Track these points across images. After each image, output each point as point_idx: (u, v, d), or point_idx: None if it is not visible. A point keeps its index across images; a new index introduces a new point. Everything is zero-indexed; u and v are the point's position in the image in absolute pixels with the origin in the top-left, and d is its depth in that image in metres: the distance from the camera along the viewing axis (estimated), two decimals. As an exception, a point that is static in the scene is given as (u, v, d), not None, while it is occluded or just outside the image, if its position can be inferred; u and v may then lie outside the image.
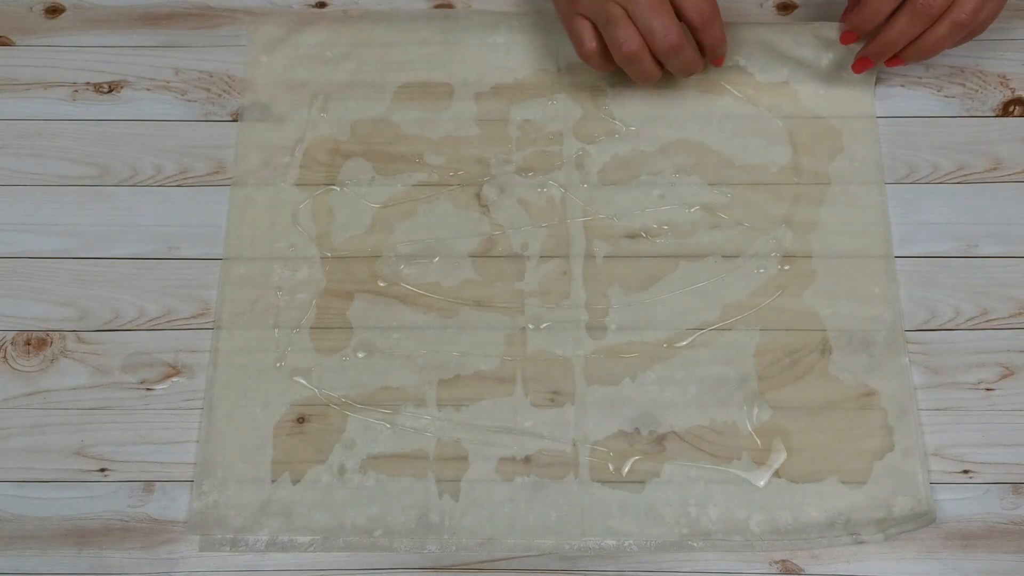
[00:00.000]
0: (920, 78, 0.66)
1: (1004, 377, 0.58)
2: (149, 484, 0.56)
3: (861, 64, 0.63)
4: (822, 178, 0.62)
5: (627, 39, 0.58)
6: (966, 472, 0.56)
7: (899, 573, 0.54)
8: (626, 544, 0.54)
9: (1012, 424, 0.57)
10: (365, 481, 0.56)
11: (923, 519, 0.54)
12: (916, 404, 0.57)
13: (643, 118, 0.64)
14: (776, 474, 0.56)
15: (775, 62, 0.64)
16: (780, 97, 0.64)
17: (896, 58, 0.61)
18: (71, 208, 0.62)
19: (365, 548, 0.54)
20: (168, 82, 0.66)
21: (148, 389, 0.58)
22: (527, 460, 0.56)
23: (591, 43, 0.60)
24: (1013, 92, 0.65)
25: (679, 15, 0.58)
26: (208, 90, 0.66)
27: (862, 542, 0.54)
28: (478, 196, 0.62)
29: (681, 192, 0.62)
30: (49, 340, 0.59)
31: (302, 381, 0.58)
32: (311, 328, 0.59)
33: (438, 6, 0.69)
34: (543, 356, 0.59)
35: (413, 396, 0.57)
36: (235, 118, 0.65)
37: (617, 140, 0.63)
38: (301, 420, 0.57)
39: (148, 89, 0.66)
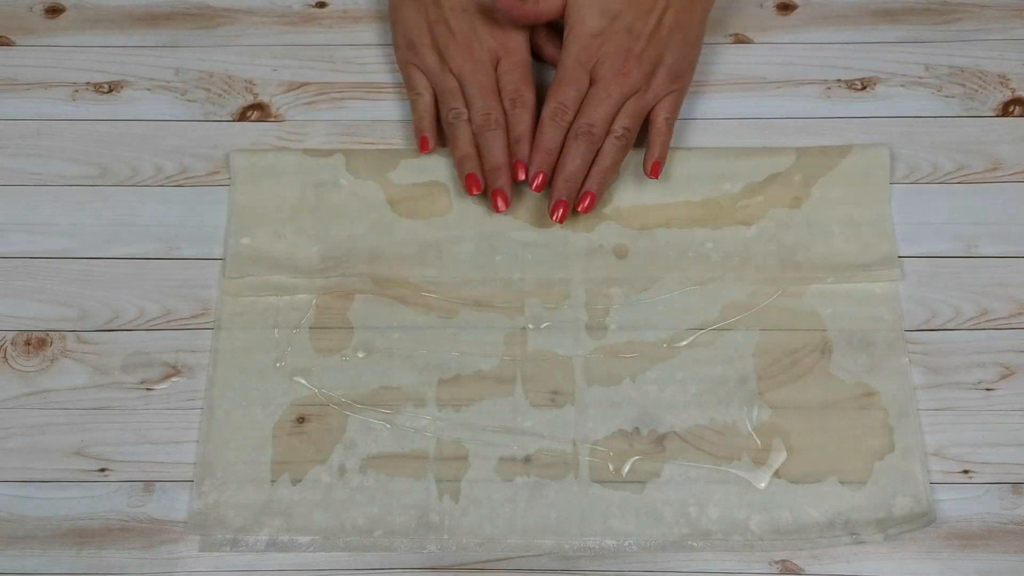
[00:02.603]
0: (920, 78, 0.66)
1: (1004, 377, 0.58)
2: (149, 484, 0.56)
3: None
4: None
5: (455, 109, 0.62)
6: (966, 472, 0.56)
7: (899, 573, 0.54)
8: (626, 544, 0.54)
9: (1012, 424, 0.57)
10: (365, 481, 0.56)
11: (923, 519, 0.54)
12: (916, 404, 0.57)
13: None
14: (776, 474, 0.56)
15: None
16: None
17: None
18: (71, 208, 0.62)
19: (365, 548, 0.54)
20: (168, 82, 0.66)
21: (148, 389, 0.58)
22: (527, 460, 0.56)
23: (427, 92, 0.63)
24: (1013, 92, 0.65)
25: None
26: (208, 90, 0.66)
27: (862, 542, 0.54)
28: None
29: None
30: (49, 340, 0.59)
31: (302, 381, 0.58)
32: (311, 328, 0.59)
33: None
34: (543, 356, 0.58)
35: (413, 396, 0.57)
36: (236, 118, 0.65)
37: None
38: (301, 420, 0.57)
39: (148, 89, 0.66)
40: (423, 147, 0.62)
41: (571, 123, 0.60)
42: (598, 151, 0.60)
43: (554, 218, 0.59)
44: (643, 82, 0.61)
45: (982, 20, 0.68)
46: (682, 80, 0.62)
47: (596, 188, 0.60)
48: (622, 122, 0.60)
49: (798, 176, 0.62)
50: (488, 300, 0.60)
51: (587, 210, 0.60)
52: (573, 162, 0.59)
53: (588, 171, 0.60)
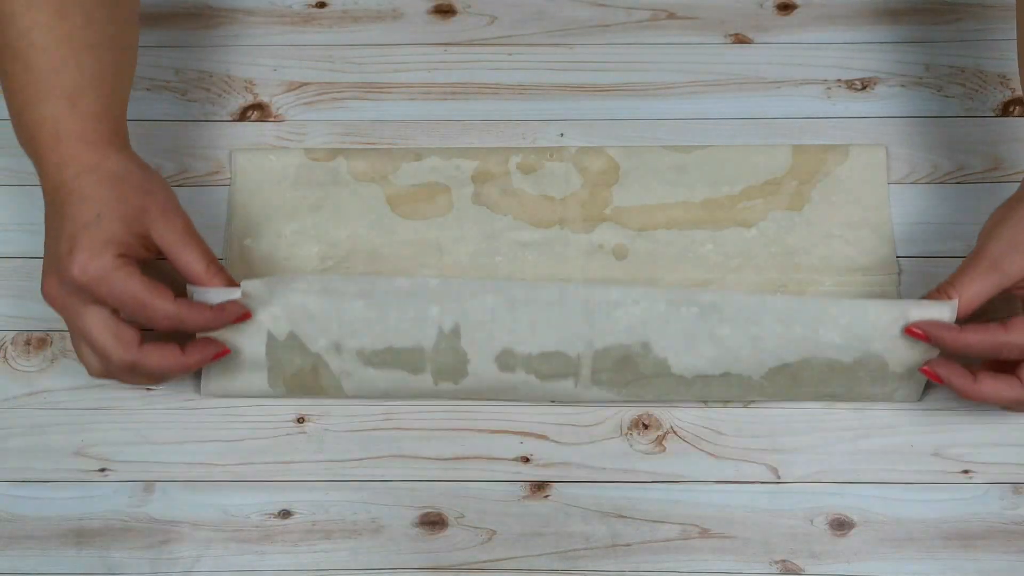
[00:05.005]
0: (920, 78, 0.66)
1: (1004, 377, 0.58)
2: (149, 484, 0.56)
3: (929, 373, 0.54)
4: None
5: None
6: (966, 472, 0.56)
7: (899, 573, 0.54)
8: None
9: (1012, 424, 0.57)
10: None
11: None
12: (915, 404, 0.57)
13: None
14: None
15: None
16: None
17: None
18: (71, 208, 0.62)
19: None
20: (168, 82, 0.66)
21: (148, 389, 0.58)
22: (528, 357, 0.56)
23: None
24: (1013, 92, 0.65)
25: None
26: (208, 90, 0.66)
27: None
28: None
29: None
30: (49, 340, 0.59)
31: (302, 381, 0.58)
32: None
33: (438, 7, 0.69)
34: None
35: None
36: (236, 118, 0.65)
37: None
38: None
39: (148, 89, 0.66)
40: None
41: None
42: None
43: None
44: None
45: (982, 20, 0.68)
46: None
47: None
48: None
49: (798, 178, 0.62)
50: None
51: None
52: None
53: None
